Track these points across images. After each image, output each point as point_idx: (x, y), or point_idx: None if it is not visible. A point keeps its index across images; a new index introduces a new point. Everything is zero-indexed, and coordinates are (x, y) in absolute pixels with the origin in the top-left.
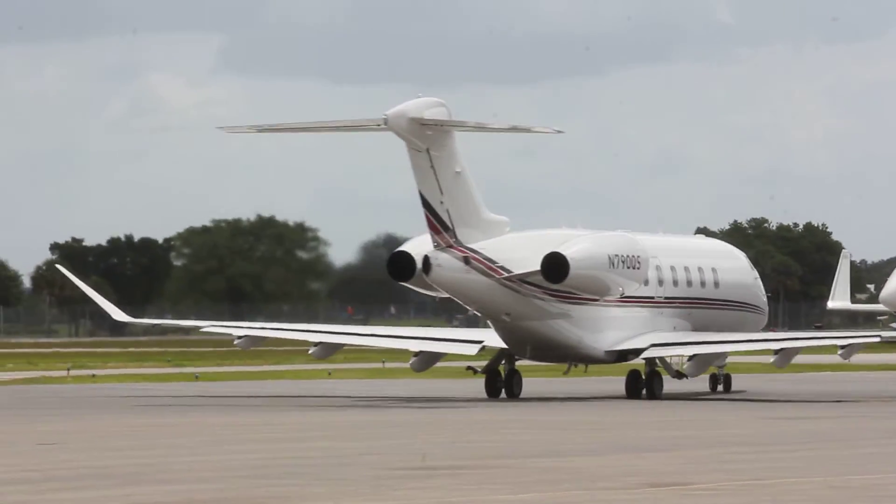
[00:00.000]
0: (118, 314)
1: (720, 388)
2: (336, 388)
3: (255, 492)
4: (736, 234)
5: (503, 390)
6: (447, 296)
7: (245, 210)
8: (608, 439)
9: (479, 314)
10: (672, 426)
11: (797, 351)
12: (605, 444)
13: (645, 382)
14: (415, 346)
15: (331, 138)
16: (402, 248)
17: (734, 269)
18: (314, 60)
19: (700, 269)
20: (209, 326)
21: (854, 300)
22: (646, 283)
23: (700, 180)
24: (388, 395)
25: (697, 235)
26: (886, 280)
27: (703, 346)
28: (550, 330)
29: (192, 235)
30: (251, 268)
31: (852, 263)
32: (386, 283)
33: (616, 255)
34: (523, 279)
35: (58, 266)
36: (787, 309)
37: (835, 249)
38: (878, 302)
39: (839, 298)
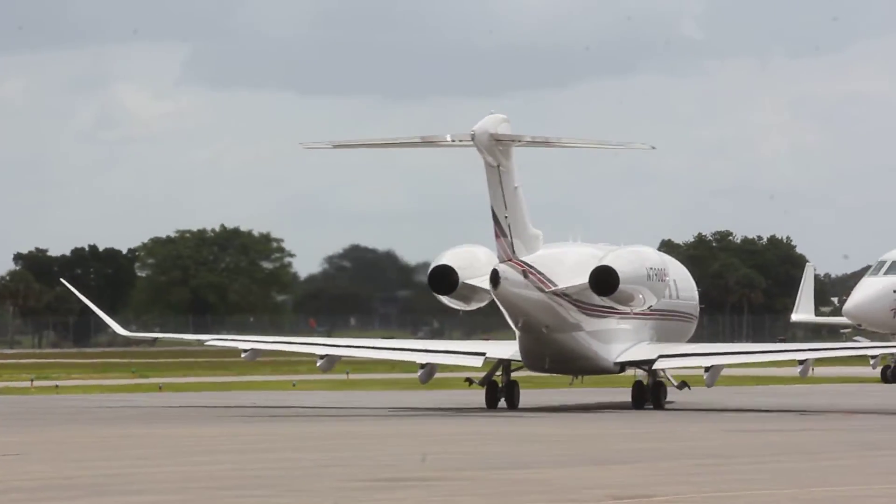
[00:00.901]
0: (119, 329)
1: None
2: (319, 399)
3: (221, 502)
4: (701, 247)
5: (502, 400)
6: (473, 309)
7: (210, 220)
8: (576, 451)
9: (517, 328)
10: (639, 438)
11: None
12: (573, 456)
13: (651, 392)
14: (422, 358)
15: (295, 149)
16: (443, 261)
17: (685, 279)
18: (281, 71)
19: (674, 282)
20: (212, 340)
21: (818, 313)
22: None
23: (665, 193)
24: (397, 405)
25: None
26: (850, 293)
27: (714, 358)
28: (574, 342)
29: (156, 246)
30: (216, 279)
31: (816, 277)
32: (350, 295)
33: (651, 269)
34: (565, 292)
35: (63, 280)
36: (750, 321)
37: (799, 262)
38: (841, 315)
39: (803, 311)
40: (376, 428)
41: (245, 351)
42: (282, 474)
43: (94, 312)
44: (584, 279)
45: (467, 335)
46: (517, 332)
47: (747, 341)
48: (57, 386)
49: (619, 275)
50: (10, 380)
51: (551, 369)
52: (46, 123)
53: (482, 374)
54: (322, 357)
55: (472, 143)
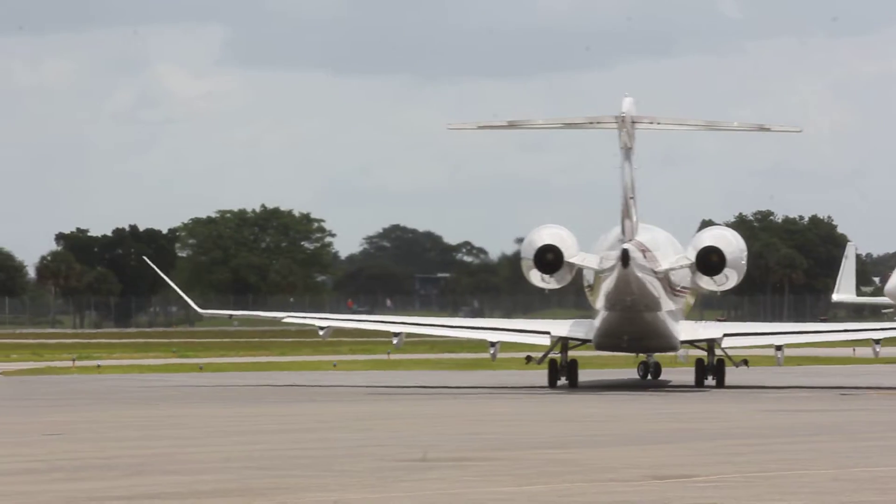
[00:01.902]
0: (197, 307)
1: (650, 376)
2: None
3: (259, 483)
4: (741, 227)
5: (563, 378)
6: (557, 288)
7: (250, 201)
8: (614, 431)
9: (610, 308)
10: (679, 419)
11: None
12: (612, 436)
13: (714, 370)
14: (492, 336)
15: (334, 129)
16: (547, 241)
17: (680, 251)
18: (317, 52)
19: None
20: (289, 317)
21: (859, 293)
22: None
23: (706, 173)
24: (450, 384)
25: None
26: (891, 273)
27: (780, 337)
28: (659, 321)
29: (197, 226)
30: (256, 259)
31: (857, 256)
32: (389, 275)
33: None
34: (668, 273)
35: (146, 259)
36: (791, 301)
37: (840, 242)
38: (882, 295)
39: (844, 291)
40: (416, 408)
41: (322, 328)
42: (320, 454)
43: (134, 294)
44: (671, 260)
45: (507, 315)
46: (602, 312)
47: (788, 322)
48: (98, 366)
49: (726, 255)
50: (53, 359)
51: (628, 348)
52: (87, 104)
53: (540, 354)
54: (396, 335)
55: (614, 124)
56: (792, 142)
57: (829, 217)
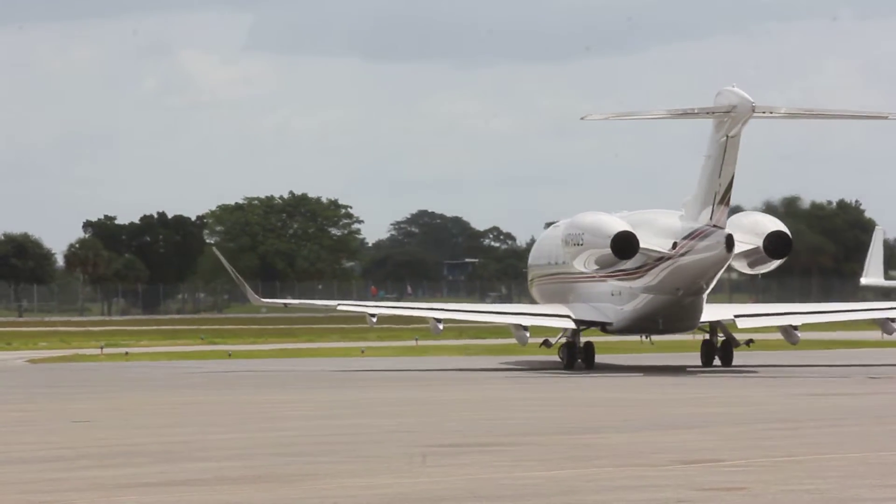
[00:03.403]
0: (254, 297)
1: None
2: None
3: (287, 469)
4: (768, 213)
5: (580, 361)
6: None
7: (278, 187)
8: (643, 416)
9: (665, 290)
10: (706, 403)
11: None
12: (640, 420)
13: (721, 350)
14: (527, 321)
15: (362, 115)
16: (623, 228)
17: None
18: (345, 38)
19: None
20: (342, 305)
21: (887, 277)
22: None
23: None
24: (478, 367)
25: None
26: None
27: (790, 318)
28: (700, 303)
29: (224, 213)
30: (284, 245)
31: (885, 241)
32: (417, 261)
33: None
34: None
35: (214, 249)
36: (820, 286)
37: (868, 227)
38: None
39: (872, 275)
40: (444, 393)
41: (373, 316)
42: (348, 440)
43: (162, 281)
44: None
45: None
46: (643, 295)
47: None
48: (126, 353)
49: (792, 240)
50: (81, 347)
51: (652, 331)
52: (114, 91)
53: (553, 339)
54: (438, 321)
55: (727, 113)
56: (818, 126)
57: (856, 201)
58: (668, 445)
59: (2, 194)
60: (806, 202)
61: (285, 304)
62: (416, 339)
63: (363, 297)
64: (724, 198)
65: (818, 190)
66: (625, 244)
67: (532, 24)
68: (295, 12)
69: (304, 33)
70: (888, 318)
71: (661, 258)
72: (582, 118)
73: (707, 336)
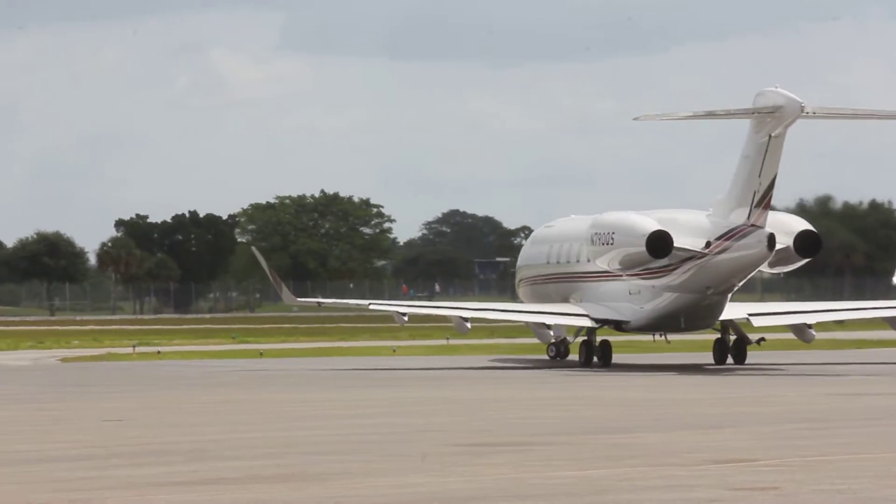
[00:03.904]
0: (288, 296)
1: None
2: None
3: (319, 468)
4: (801, 213)
5: (596, 358)
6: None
7: (310, 186)
8: (674, 415)
9: (698, 290)
10: (737, 402)
11: None
12: (671, 420)
13: (733, 348)
14: (551, 320)
15: (394, 115)
16: (658, 227)
17: None
18: (376, 37)
19: None
20: (374, 305)
21: None
22: None
23: None
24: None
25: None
26: None
27: (802, 316)
28: (724, 302)
29: (256, 212)
30: (316, 244)
31: None
32: (449, 260)
33: None
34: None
35: (253, 249)
36: (852, 285)
37: None
38: None
39: None
40: (474, 393)
41: (403, 315)
42: (379, 439)
43: (193, 280)
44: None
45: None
46: (666, 294)
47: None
48: (159, 352)
49: (822, 239)
50: (113, 346)
51: (686, 328)
52: (146, 90)
53: (570, 337)
54: (466, 319)
55: (771, 114)
56: (851, 126)
57: (889, 202)
58: (700, 445)
59: (34, 193)
60: (838, 202)
61: (319, 303)
62: (448, 339)
63: (394, 296)
64: (765, 198)
65: (850, 190)
66: (660, 243)
67: (559, 24)
68: (325, 12)
69: (335, 32)
70: None
71: (691, 257)
72: (635, 118)
73: (719, 335)
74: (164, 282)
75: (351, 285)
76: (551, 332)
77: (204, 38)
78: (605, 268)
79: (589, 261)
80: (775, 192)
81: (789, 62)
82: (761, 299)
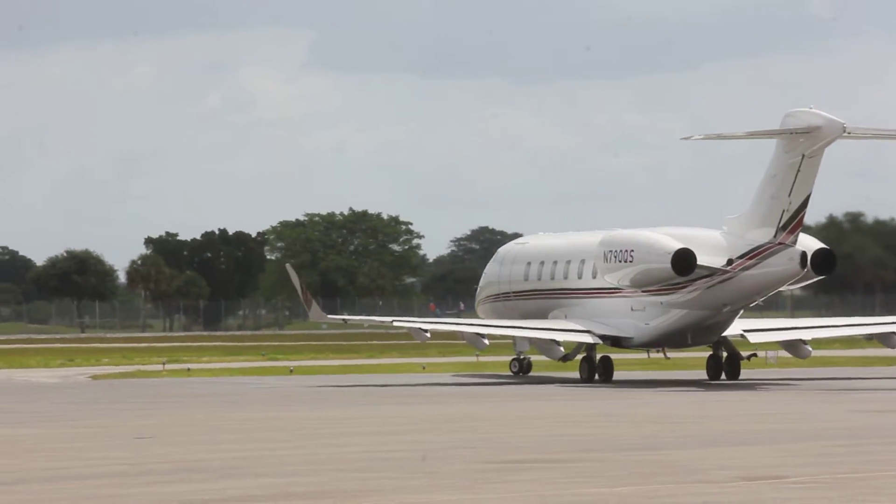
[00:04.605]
0: (316, 312)
1: (518, 370)
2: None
3: (350, 485)
4: (832, 228)
5: (597, 375)
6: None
7: (339, 204)
8: (703, 432)
9: (711, 307)
10: (766, 419)
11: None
12: (700, 437)
13: (726, 364)
14: (561, 337)
15: (423, 132)
16: (682, 245)
17: None
18: (405, 54)
19: None
20: (398, 322)
21: None
22: None
23: None
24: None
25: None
26: None
27: (796, 332)
28: (734, 318)
29: (285, 229)
30: (345, 262)
31: None
32: (478, 277)
33: None
34: None
35: (288, 266)
36: (883, 301)
37: None
38: None
39: None
40: (503, 409)
41: (425, 331)
42: (410, 456)
43: (223, 297)
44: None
45: None
46: (680, 311)
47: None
48: (188, 369)
49: (836, 257)
50: (143, 363)
51: (692, 343)
52: (176, 107)
53: (572, 353)
54: (482, 336)
55: (807, 134)
56: (881, 142)
57: None
58: (730, 462)
59: (64, 211)
60: (869, 218)
61: (344, 320)
62: (477, 356)
63: (423, 313)
64: (796, 217)
65: (882, 206)
66: (685, 261)
67: (590, 41)
68: (355, 30)
69: (365, 50)
70: (891, 332)
71: (710, 274)
72: (682, 138)
73: (711, 351)
74: (193, 299)
75: (380, 303)
76: (561, 349)
77: (234, 56)
78: (616, 284)
79: (595, 277)
80: (808, 208)
81: (822, 78)
82: (791, 316)
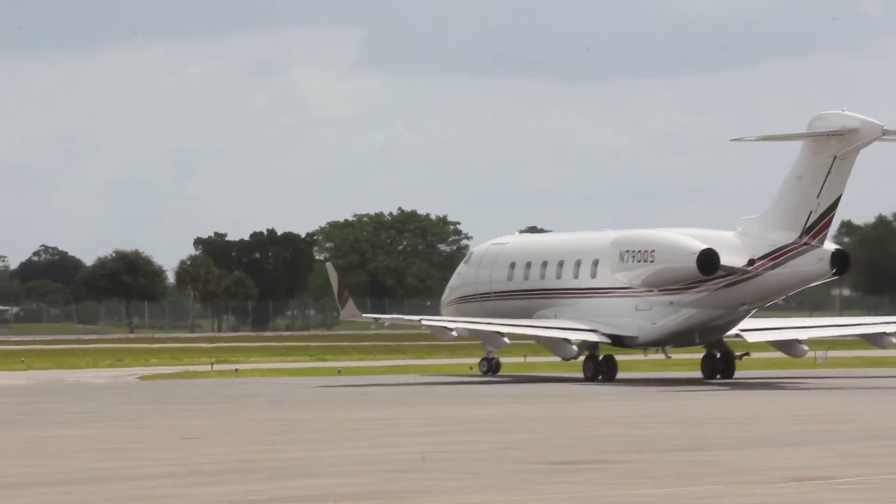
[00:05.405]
0: (350, 312)
1: (489, 371)
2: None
3: (398, 486)
4: (881, 228)
5: (601, 374)
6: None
7: (387, 204)
8: (752, 433)
9: (726, 306)
10: (815, 419)
11: None
12: (750, 437)
13: (721, 363)
14: (574, 336)
15: (471, 131)
16: (705, 245)
17: None
18: (455, 54)
19: None
20: (426, 320)
21: None
22: None
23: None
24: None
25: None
26: None
27: (794, 332)
28: (743, 318)
29: (334, 230)
30: (393, 262)
31: None
32: None
33: None
34: None
35: (327, 265)
36: None
37: None
38: None
39: None
40: (549, 410)
41: (451, 330)
42: (458, 457)
43: (271, 297)
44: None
45: None
46: (691, 310)
47: None
48: (237, 370)
49: (851, 257)
50: (191, 363)
51: (700, 342)
52: (225, 107)
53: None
54: (503, 335)
55: (842, 136)
56: None
57: None
58: (779, 462)
59: (113, 211)
60: None
61: (375, 318)
62: (525, 356)
63: None
64: (824, 218)
65: None
66: (710, 261)
67: (640, 40)
68: (404, 29)
69: (415, 50)
70: (882, 333)
71: (728, 274)
72: (732, 139)
73: (706, 350)
74: (241, 300)
75: (428, 303)
76: (575, 347)
77: (283, 55)
78: (631, 284)
79: (594, 277)
80: (854, 206)
81: (877, 78)
82: (840, 315)
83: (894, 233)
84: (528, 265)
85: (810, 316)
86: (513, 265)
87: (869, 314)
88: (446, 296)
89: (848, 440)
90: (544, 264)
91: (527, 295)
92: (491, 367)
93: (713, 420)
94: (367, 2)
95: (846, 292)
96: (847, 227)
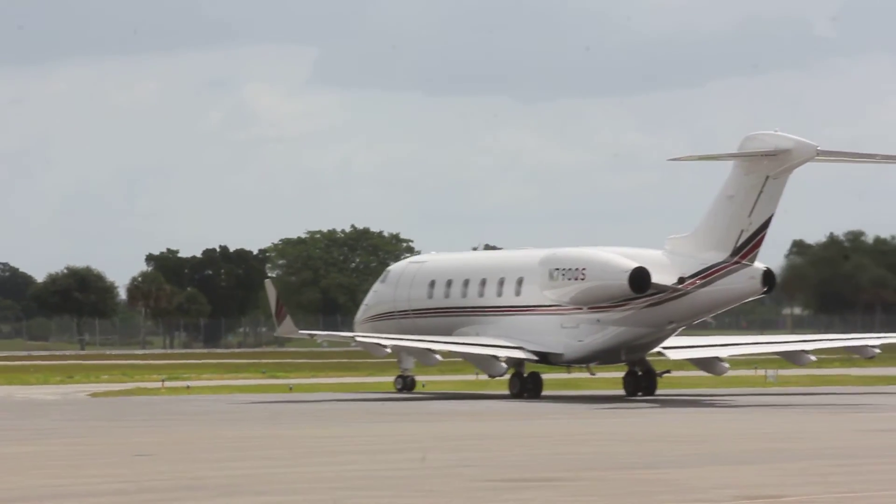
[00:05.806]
0: (286, 329)
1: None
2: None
3: (349, 503)
4: (832, 247)
5: (526, 392)
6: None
7: (340, 221)
8: (702, 451)
9: (653, 324)
10: (765, 438)
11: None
12: (699, 455)
13: (644, 380)
14: (501, 353)
15: (425, 149)
16: (640, 264)
17: None
18: (409, 72)
19: None
20: (360, 337)
21: None
22: None
23: (796, 192)
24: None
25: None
26: None
27: (711, 349)
28: (670, 336)
29: (287, 247)
30: (346, 279)
31: None
32: None
33: None
34: None
35: (266, 283)
36: (883, 321)
37: None
38: None
39: None
40: (501, 428)
41: (385, 347)
42: (410, 475)
43: (223, 314)
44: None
45: None
46: (618, 328)
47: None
48: (188, 386)
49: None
50: (143, 380)
51: (625, 360)
52: (178, 124)
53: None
54: (435, 352)
55: (774, 156)
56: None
57: None
58: (729, 481)
59: (65, 228)
60: (870, 237)
61: (311, 335)
62: (476, 374)
63: None
64: (756, 237)
65: (883, 226)
66: (641, 279)
67: (592, 59)
68: (358, 46)
69: (368, 67)
70: (801, 350)
71: (657, 292)
72: (669, 159)
73: (628, 368)
74: (193, 317)
75: None
76: (504, 365)
77: (236, 72)
78: (560, 302)
79: (518, 294)
80: (807, 226)
81: (826, 97)
82: (791, 333)
83: (846, 252)
84: (449, 283)
85: (761, 334)
86: (433, 283)
87: (820, 332)
88: (361, 314)
89: (798, 458)
90: (466, 282)
91: (447, 312)
92: (406, 385)
93: (663, 438)
94: (320, 19)
95: (797, 311)
96: (799, 246)
